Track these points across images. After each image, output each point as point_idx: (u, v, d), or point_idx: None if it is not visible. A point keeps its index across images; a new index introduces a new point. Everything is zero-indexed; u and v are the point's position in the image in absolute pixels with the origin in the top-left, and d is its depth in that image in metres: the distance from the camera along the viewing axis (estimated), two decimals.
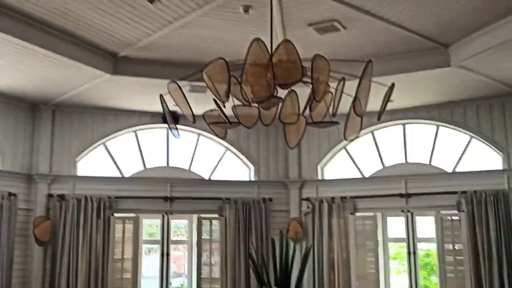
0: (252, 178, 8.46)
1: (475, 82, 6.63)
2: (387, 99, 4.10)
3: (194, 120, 3.95)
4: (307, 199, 8.21)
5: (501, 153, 7.34)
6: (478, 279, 6.99)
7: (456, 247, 7.33)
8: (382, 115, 7.89)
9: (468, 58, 5.82)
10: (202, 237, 7.93)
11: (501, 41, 5.32)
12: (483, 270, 6.96)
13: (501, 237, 6.94)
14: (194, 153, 8.34)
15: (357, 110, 4.07)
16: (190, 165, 8.30)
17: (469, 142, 7.62)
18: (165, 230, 7.84)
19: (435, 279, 7.85)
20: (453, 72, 6.20)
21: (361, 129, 4.39)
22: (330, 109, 4.31)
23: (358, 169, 8.31)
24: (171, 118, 4.38)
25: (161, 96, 4.26)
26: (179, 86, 3.87)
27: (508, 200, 7.03)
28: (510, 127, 7.29)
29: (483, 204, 7.11)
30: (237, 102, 4.15)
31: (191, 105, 4.00)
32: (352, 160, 8.37)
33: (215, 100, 4.06)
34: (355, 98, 3.90)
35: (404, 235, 7.76)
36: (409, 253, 7.68)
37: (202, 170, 8.33)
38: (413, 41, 5.78)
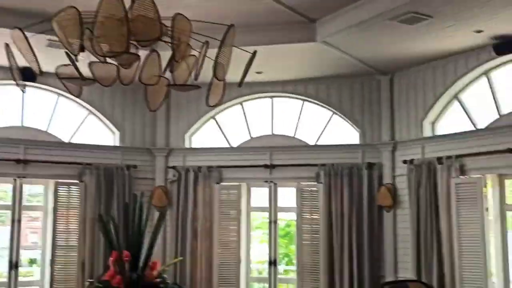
0: (117, 144, 8.15)
1: (339, 60, 6.92)
2: (249, 66, 4.10)
3: (41, 73, 3.64)
4: (174, 168, 8.12)
5: (358, 129, 7.80)
6: (330, 246, 7.45)
7: (313, 217, 7.72)
8: (252, 87, 8.07)
9: (332, 35, 6.04)
10: (59, 203, 7.51)
11: (362, 20, 5.56)
12: (335, 238, 7.43)
13: (353, 208, 7.43)
14: (53, 114, 7.80)
15: (219, 74, 4.04)
16: (48, 126, 7.76)
17: (331, 117, 8.00)
18: (17, 195, 7.28)
19: (294, 247, 8.20)
20: (318, 48, 6.40)
21: (223, 95, 4.36)
22: (193, 73, 4.26)
23: (226, 139, 8.36)
24: (19, 73, 4.01)
25: (6, 45, 3.87)
26: (24, 34, 3.52)
27: (362, 173, 7.51)
28: (367, 105, 7.75)
29: (339, 176, 7.54)
30: (94, 59, 3.90)
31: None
32: (221, 130, 8.40)
33: (67, 54, 3.77)
34: (216, 62, 3.86)
35: (266, 205, 8.00)
36: (270, 222, 7.94)
37: (62, 132, 7.83)
38: (281, 13, 5.84)
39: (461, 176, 6.55)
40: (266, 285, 7.95)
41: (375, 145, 7.61)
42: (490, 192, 6.46)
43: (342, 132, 7.97)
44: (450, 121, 7.11)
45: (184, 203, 7.96)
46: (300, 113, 8.11)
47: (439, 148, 6.87)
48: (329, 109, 7.96)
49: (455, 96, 6.99)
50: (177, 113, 8.26)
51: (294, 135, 8.10)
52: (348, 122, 7.87)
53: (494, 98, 6.55)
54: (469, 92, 6.88)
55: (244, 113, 8.35)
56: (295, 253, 7.83)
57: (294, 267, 8.01)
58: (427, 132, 7.19)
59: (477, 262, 6.27)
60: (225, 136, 8.37)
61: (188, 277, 7.77)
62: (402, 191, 7.28)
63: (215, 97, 4.34)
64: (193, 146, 8.43)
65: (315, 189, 7.70)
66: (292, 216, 8.15)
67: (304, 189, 7.79)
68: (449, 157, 6.65)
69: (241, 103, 8.34)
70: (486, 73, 6.63)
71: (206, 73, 4.05)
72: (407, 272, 7.00)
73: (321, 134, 8.01)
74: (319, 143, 7.99)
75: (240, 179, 8.03)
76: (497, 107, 6.51)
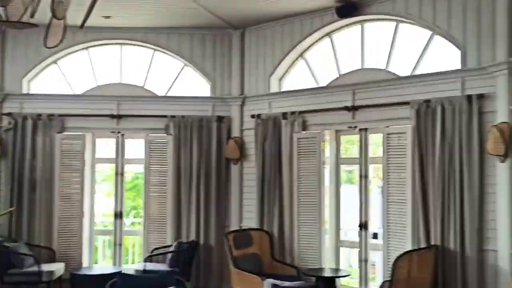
0: None
1: (190, 10, 6.79)
2: (92, 7, 3.84)
3: None
4: (9, 115, 7.45)
5: (209, 82, 7.81)
6: (178, 198, 7.50)
7: (161, 169, 7.66)
8: (100, 32, 7.62)
9: None
10: None
11: None
12: (183, 190, 7.49)
13: (202, 160, 7.51)
14: None
15: (58, 13, 3.74)
16: None
17: (182, 69, 7.89)
18: None
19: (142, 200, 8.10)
20: None
21: (64, 36, 4.06)
22: (29, 10, 3.90)
23: (70, 86, 7.86)
24: None
25: None
26: None
27: (211, 126, 7.58)
28: (219, 59, 7.77)
29: (189, 128, 7.54)
30: None
31: None
32: (63, 76, 7.86)
33: None
34: (54, 0, 3.56)
35: (113, 157, 7.75)
36: (117, 175, 7.73)
37: None
38: None
39: (303, 131, 6.94)
40: (112, 237, 7.79)
41: (225, 99, 7.71)
42: (328, 147, 6.95)
43: (193, 84, 7.93)
44: (296, 78, 7.44)
45: (21, 153, 7.37)
46: (151, 63, 7.88)
47: (284, 104, 7.18)
48: (180, 60, 7.84)
49: (301, 55, 7.30)
50: (13, 54, 7.54)
51: (144, 85, 7.87)
52: (200, 75, 7.84)
53: (335, 59, 6.97)
54: (314, 51, 7.24)
55: (90, 60, 7.88)
56: (143, 205, 7.75)
57: (141, 220, 7.93)
58: (274, 88, 7.45)
59: (313, 211, 6.77)
60: (68, 83, 7.85)
61: (25, 230, 7.30)
62: (249, 144, 7.51)
63: (54, 38, 4.04)
64: (32, 91, 7.78)
65: (164, 140, 7.62)
66: (140, 168, 8.01)
67: (152, 140, 7.66)
68: (293, 113, 6.98)
69: (87, 49, 7.85)
70: (329, 34, 7.00)
71: (45, 12, 3.73)
72: (251, 221, 7.33)
73: (171, 85, 7.89)
74: (169, 94, 7.87)
75: (85, 128, 7.64)
76: (337, 67, 6.94)
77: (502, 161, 5.20)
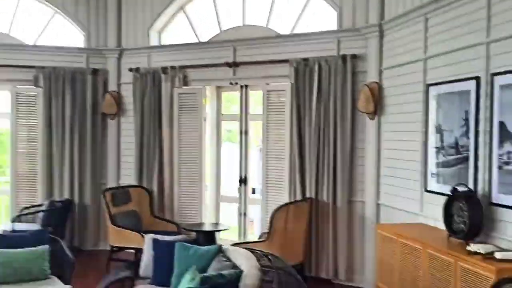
0: None
1: None
2: None
3: None
4: None
5: (83, 32, 7.34)
6: (50, 154, 7.09)
7: (31, 123, 7.15)
8: None
9: None
10: None
11: None
12: (55, 145, 7.08)
13: (76, 115, 7.13)
14: None
15: None
16: None
17: (52, 16, 7.32)
18: None
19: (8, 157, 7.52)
20: None
21: None
22: None
23: None
24: None
25: None
26: None
27: (86, 79, 7.18)
28: (93, 8, 7.33)
29: (61, 81, 7.08)
30: None
31: None
32: None
33: None
34: None
35: None
36: None
37: None
38: None
39: (184, 87, 6.83)
40: None
41: (101, 50, 7.31)
42: (209, 103, 6.92)
43: (65, 34, 7.41)
44: (177, 32, 7.25)
45: None
46: (16, 8, 7.19)
47: (164, 58, 6.99)
48: (50, 7, 7.25)
49: (182, 8, 7.10)
50: None
51: (9, 32, 7.20)
52: (72, 24, 7.33)
53: (216, 14, 6.88)
54: (195, 5, 7.07)
55: None
56: (9, 163, 7.20)
57: (8, 178, 7.37)
58: (153, 41, 7.20)
59: (194, 167, 6.77)
60: None
61: None
62: (127, 99, 7.25)
63: None
64: None
65: (33, 93, 7.09)
66: (6, 123, 7.38)
67: (20, 93, 7.09)
68: (173, 68, 6.83)
69: None
70: None
71: None
72: (129, 179, 7.15)
73: (41, 33, 7.30)
74: (38, 43, 7.28)
75: None
76: (218, 23, 6.87)
77: (371, 118, 5.57)
